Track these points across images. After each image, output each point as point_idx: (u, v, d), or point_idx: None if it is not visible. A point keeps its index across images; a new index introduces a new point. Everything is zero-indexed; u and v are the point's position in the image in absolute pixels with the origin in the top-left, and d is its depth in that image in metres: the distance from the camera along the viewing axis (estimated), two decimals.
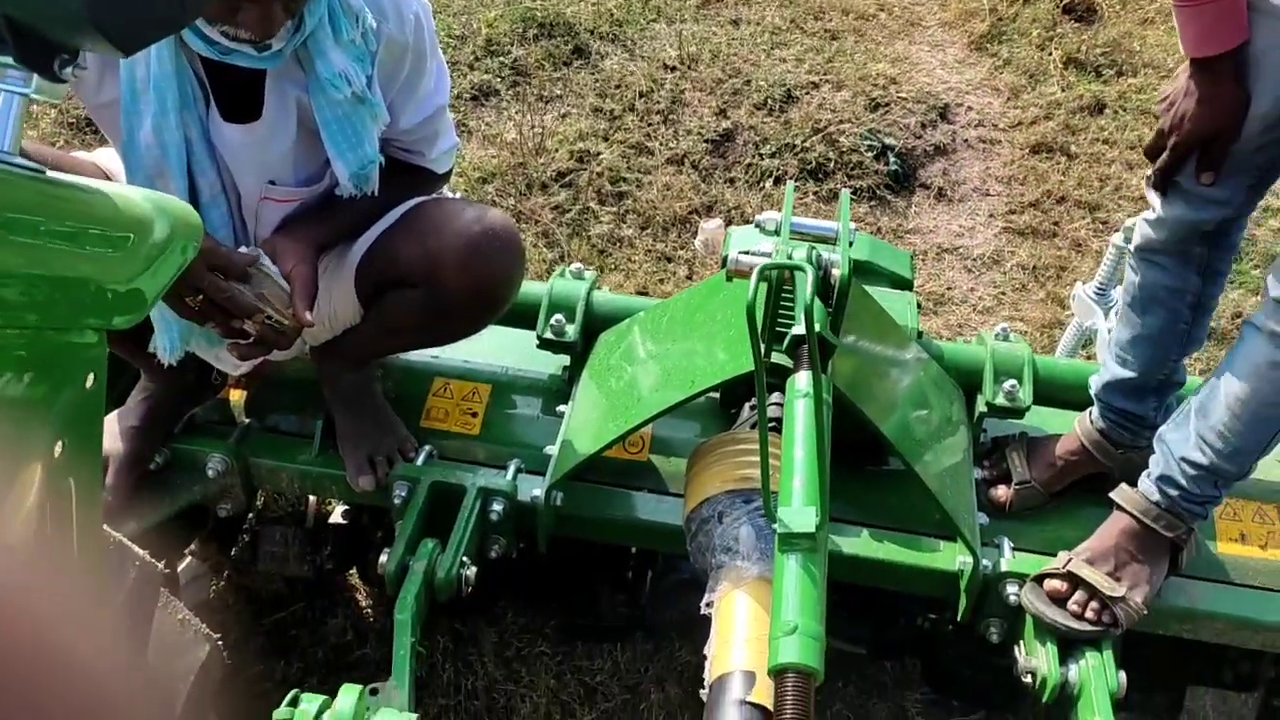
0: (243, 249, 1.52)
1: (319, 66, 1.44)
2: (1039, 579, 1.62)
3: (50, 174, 0.72)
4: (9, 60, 0.69)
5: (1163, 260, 1.66)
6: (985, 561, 1.64)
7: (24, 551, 0.66)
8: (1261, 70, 1.43)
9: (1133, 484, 1.65)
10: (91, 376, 0.72)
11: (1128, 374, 1.75)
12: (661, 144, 3.30)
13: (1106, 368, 1.80)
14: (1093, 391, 1.82)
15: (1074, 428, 1.84)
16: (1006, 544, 1.71)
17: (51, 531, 0.68)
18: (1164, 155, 1.54)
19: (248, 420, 1.89)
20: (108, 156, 1.68)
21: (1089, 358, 2.40)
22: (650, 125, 3.37)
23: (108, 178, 1.62)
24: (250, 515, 2.09)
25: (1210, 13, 1.41)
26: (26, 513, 0.68)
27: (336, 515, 2.08)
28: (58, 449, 0.69)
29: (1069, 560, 1.61)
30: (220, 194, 1.54)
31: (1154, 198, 1.63)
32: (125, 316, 0.75)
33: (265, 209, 1.60)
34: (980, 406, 1.85)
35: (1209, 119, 1.47)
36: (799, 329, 1.36)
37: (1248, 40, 1.43)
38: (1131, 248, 1.72)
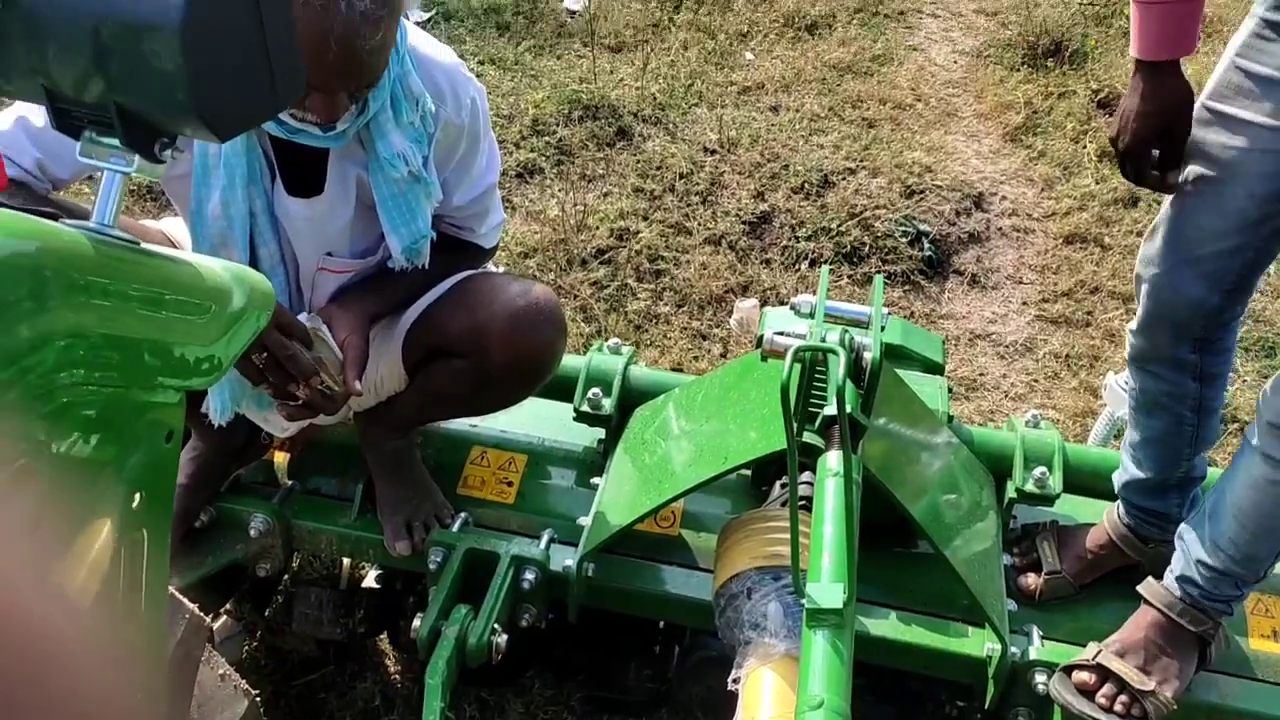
0: (301, 316, 1.59)
1: (379, 147, 1.52)
2: (1068, 670, 1.62)
3: (143, 245, 0.78)
4: (115, 142, 0.76)
5: (1156, 369, 1.68)
6: (1014, 649, 1.64)
7: (85, 606, 0.70)
8: (1235, 173, 1.47)
9: (1161, 577, 1.65)
10: (169, 433, 0.78)
11: (1144, 475, 1.76)
12: (700, 224, 3.38)
13: (1124, 467, 1.81)
14: (1116, 489, 1.83)
15: (1103, 520, 1.85)
16: (1035, 632, 1.71)
17: (123, 581, 0.72)
18: (1122, 160, 1.55)
19: (291, 482, 1.94)
20: (173, 225, 1.77)
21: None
22: (689, 206, 3.46)
23: (173, 244, 1.71)
24: (285, 576, 2.12)
25: (1170, 15, 1.43)
26: (97, 562, 0.73)
27: (370, 579, 2.12)
28: (136, 500, 0.74)
29: (1098, 652, 1.61)
30: (279, 263, 1.61)
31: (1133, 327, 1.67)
32: (203, 379, 0.81)
33: (321, 279, 1.67)
34: (1010, 493, 1.86)
35: (1158, 114, 1.48)
36: (831, 409, 1.40)
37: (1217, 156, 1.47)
38: (1126, 356, 1.74)
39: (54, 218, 0.72)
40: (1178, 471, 1.74)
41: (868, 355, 1.50)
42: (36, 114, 1.45)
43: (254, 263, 1.59)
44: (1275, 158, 1.44)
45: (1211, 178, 1.50)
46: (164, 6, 0.68)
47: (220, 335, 0.82)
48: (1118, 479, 1.83)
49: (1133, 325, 1.69)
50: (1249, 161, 1.46)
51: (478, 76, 1.69)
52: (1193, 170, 1.53)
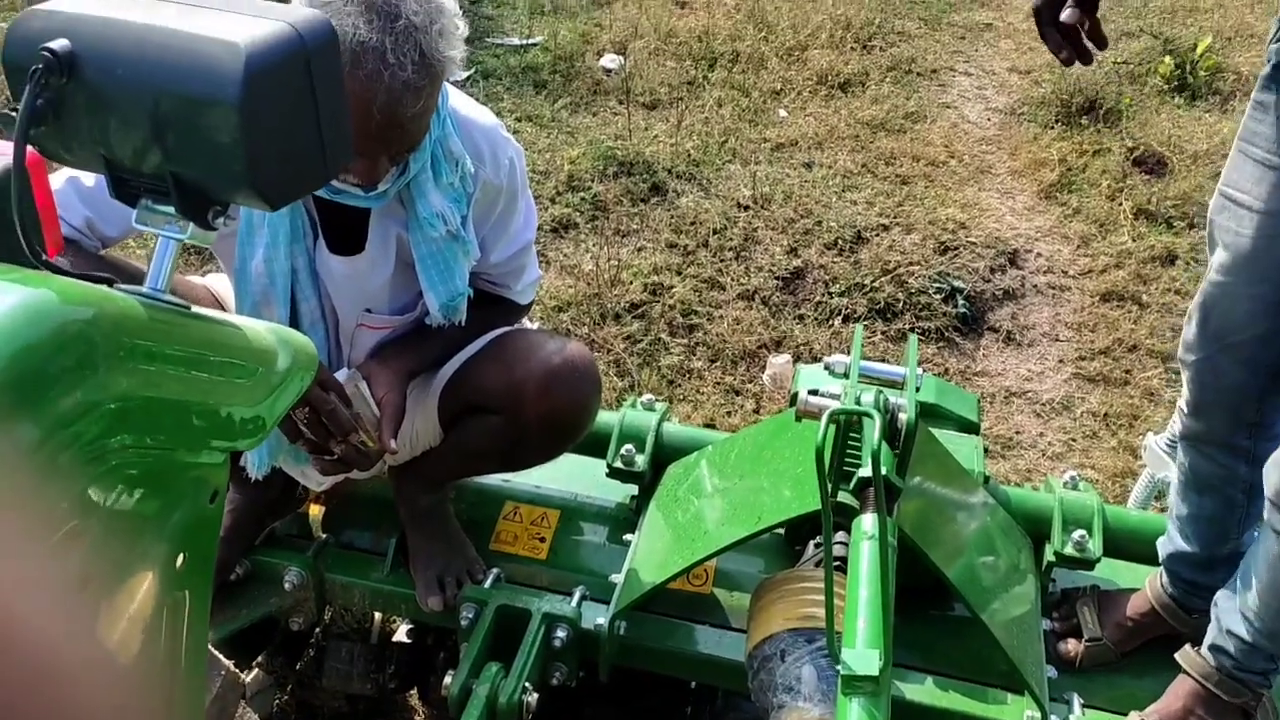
0: (340, 373, 1.61)
1: (419, 206, 1.55)
2: None
3: (194, 309, 0.80)
4: (170, 210, 0.79)
5: (1210, 451, 1.65)
6: (1054, 717, 1.61)
7: (127, 664, 0.71)
8: (1251, 259, 1.46)
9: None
10: (214, 493, 0.79)
11: (1190, 549, 1.73)
12: (733, 279, 3.39)
13: (1170, 537, 1.77)
14: (1160, 558, 1.79)
15: (1145, 587, 1.81)
16: (1076, 700, 1.67)
17: (165, 640, 0.73)
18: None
19: (325, 535, 1.95)
20: (217, 281, 1.81)
21: (1162, 509, 2.37)
22: (722, 261, 3.48)
23: (218, 300, 1.74)
24: (316, 629, 2.12)
25: None
26: (140, 621, 0.74)
27: (401, 634, 2.11)
28: (179, 561, 0.75)
29: None
30: (320, 320, 1.64)
31: (1182, 402, 1.64)
32: (249, 439, 0.83)
33: (360, 335, 1.70)
34: (1048, 556, 1.84)
35: None
36: (866, 471, 1.39)
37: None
38: (1178, 434, 1.72)
39: (109, 282, 0.75)
40: (1225, 547, 1.70)
41: (903, 416, 1.49)
42: (86, 174, 1.49)
43: (294, 318, 1.62)
44: None
45: (1230, 265, 1.49)
46: (223, 83, 0.71)
47: (266, 396, 0.84)
48: (1163, 548, 1.79)
49: (1183, 405, 1.67)
50: (1259, 248, 1.45)
51: (514, 134, 1.72)
52: (1216, 258, 1.52)
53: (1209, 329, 1.55)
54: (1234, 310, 1.50)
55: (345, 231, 1.61)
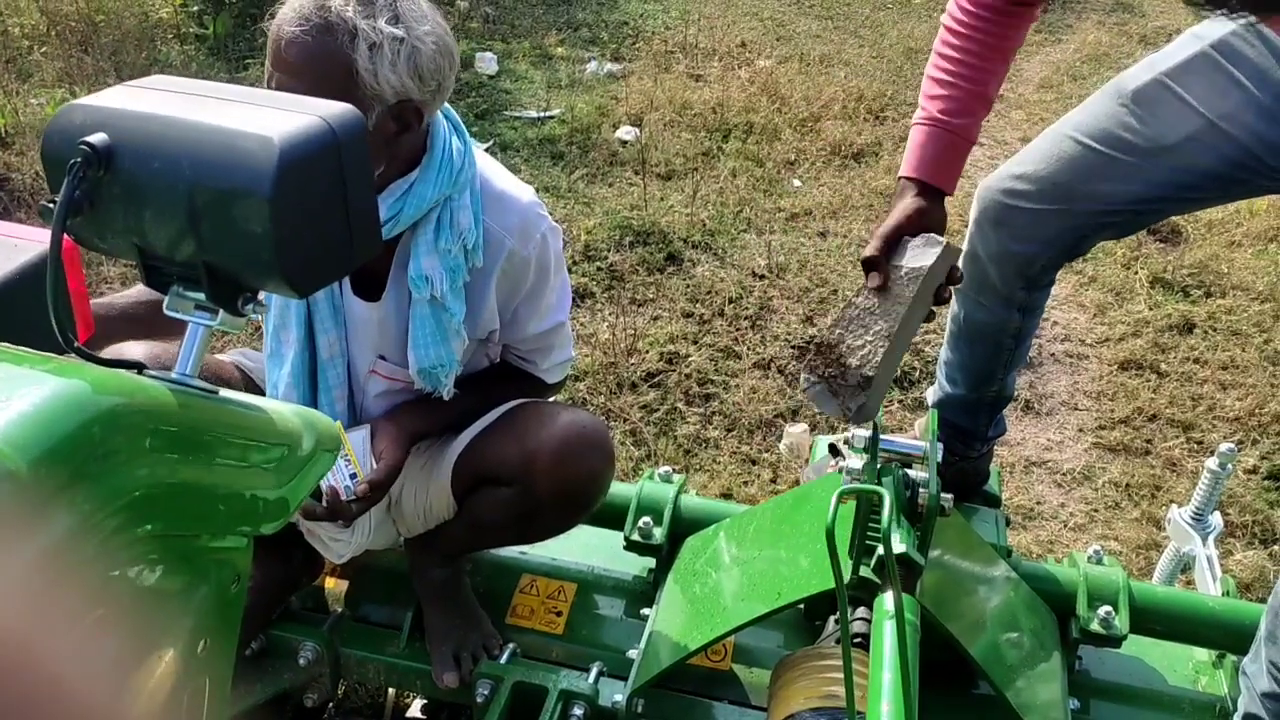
0: (355, 430, 1.63)
1: (410, 265, 1.56)
2: None
3: (222, 393, 0.81)
4: (201, 297, 0.80)
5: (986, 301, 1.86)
6: None
7: None
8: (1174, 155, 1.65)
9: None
10: (237, 577, 0.80)
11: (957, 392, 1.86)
12: (749, 349, 3.40)
13: (939, 385, 1.90)
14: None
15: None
16: None
17: None
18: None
19: (341, 609, 1.94)
20: (245, 358, 1.82)
21: (1188, 584, 2.33)
22: (738, 330, 3.49)
23: (247, 377, 1.76)
24: (330, 705, 2.10)
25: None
26: (161, 708, 0.73)
27: (415, 709, 2.09)
28: (201, 646, 0.75)
29: None
30: (339, 355, 1.65)
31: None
32: (271, 523, 0.83)
33: (371, 382, 1.70)
34: (1074, 633, 1.81)
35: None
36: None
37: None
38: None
39: (139, 368, 0.76)
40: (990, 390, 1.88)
41: (924, 492, 1.48)
42: None
43: (313, 350, 1.64)
44: None
45: (1132, 143, 1.71)
46: (257, 176, 0.73)
47: (290, 479, 0.84)
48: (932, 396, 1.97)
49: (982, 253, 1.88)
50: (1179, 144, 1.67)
51: None
52: (1117, 124, 1.71)
53: (1058, 181, 1.70)
54: (1101, 176, 1.64)
55: (371, 276, 1.62)
